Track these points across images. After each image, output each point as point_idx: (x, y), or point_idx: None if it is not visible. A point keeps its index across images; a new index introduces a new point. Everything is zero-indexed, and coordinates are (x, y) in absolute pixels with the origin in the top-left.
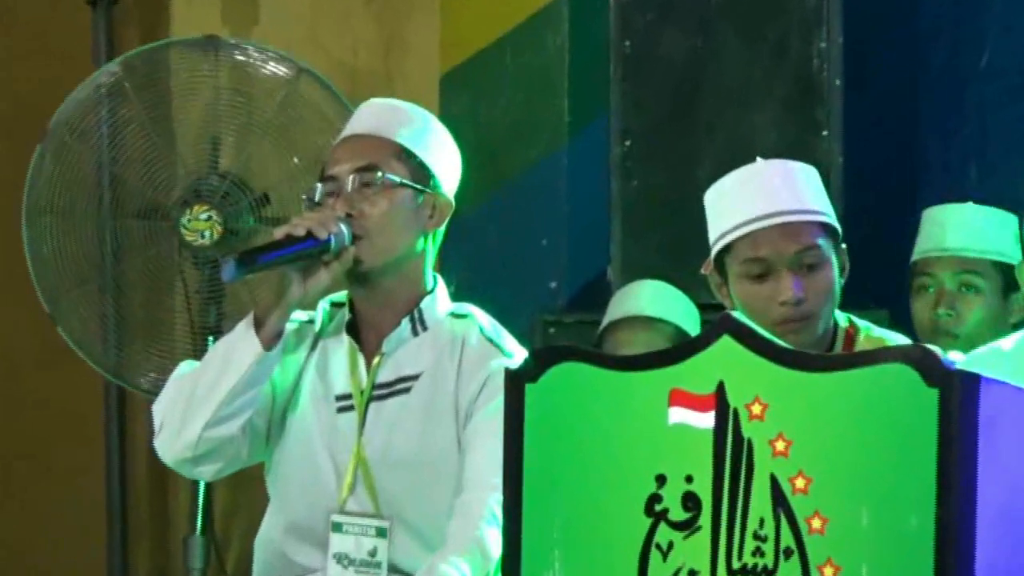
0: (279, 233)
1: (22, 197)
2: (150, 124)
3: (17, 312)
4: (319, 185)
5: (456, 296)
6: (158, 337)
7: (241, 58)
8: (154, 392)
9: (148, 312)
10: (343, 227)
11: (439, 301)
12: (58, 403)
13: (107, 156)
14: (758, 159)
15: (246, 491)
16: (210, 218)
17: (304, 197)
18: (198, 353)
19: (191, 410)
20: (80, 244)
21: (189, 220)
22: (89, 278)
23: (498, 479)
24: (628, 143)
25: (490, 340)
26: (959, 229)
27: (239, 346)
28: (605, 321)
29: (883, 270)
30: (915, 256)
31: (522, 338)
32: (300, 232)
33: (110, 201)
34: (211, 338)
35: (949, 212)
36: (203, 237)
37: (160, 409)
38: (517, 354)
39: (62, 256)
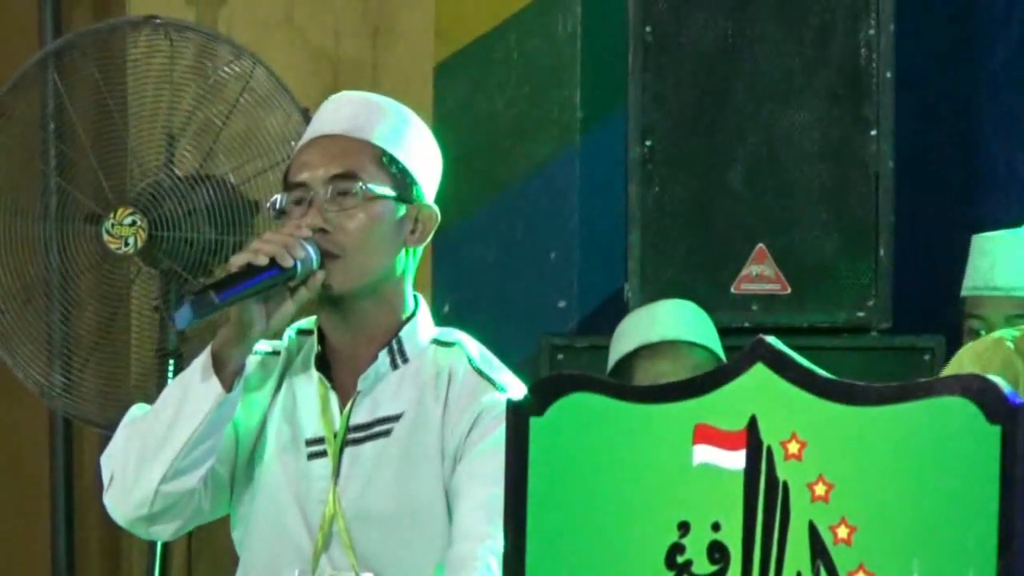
0: (237, 262)
1: None
2: (99, 116)
3: None
4: (279, 196)
5: (451, 319)
6: (111, 361)
7: (183, 43)
8: (104, 425)
9: (100, 332)
10: (310, 249)
11: (421, 327)
12: None
13: (53, 151)
14: None
15: (209, 539)
16: (134, 223)
17: (268, 207)
18: (157, 380)
19: (144, 462)
20: (22, 251)
21: (113, 225)
22: (34, 288)
23: (491, 527)
24: (648, 143)
25: (480, 372)
26: (1010, 264)
27: (196, 388)
28: (629, 346)
29: (938, 289)
30: (964, 291)
31: (526, 366)
32: (262, 261)
33: (56, 204)
34: (172, 362)
35: (998, 242)
36: (127, 244)
37: (109, 461)
38: (511, 388)
39: (2, 263)
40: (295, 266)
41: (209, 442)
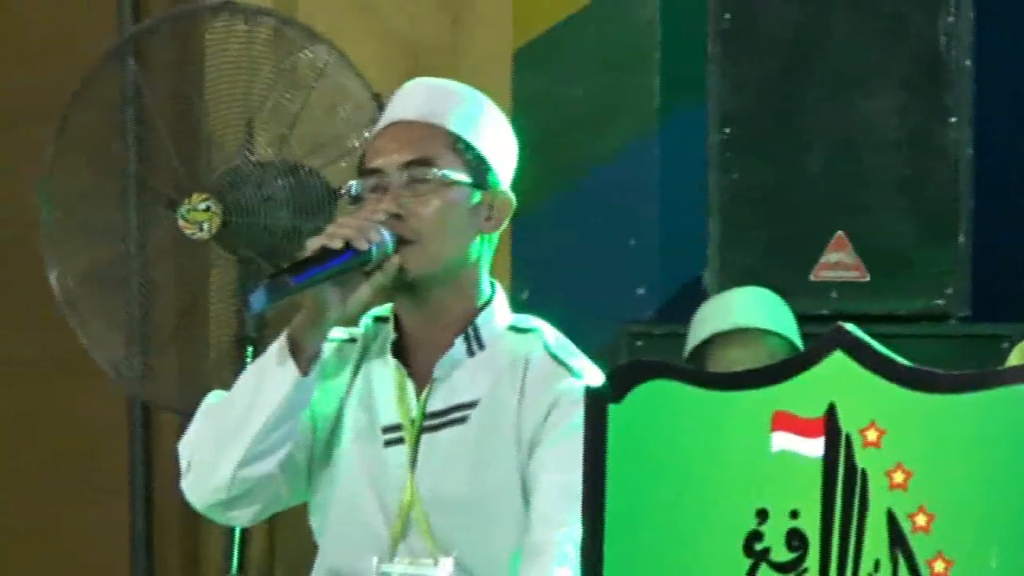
0: (313, 246)
1: (38, 183)
2: (177, 102)
3: (28, 316)
4: (355, 181)
5: (529, 307)
6: (189, 347)
7: (259, 28)
8: (182, 410)
9: (179, 318)
10: (385, 233)
11: (497, 314)
12: (75, 420)
13: (132, 135)
14: None
15: (287, 524)
16: (208, 208)
17: (342, 193)
18: (235, 367)
19: (221, 447)
20: (100, 236)
21: (188, 210)
22: (112, 275)
23: (566, 515)
24: (728, 130)
25: (556, 359)
26: None
27: (272, 372)
28: (704, 333)
29: (1018, 277)
30: None
31: (604, 353)
32: (337, 245)
33: (134, 188)
34: (250, 349)
35: None
36: (201, 230)
37: (186, 447)
38: (588, 375)
39: (81, 249)
40: (370, 250)
41: (286, 426)
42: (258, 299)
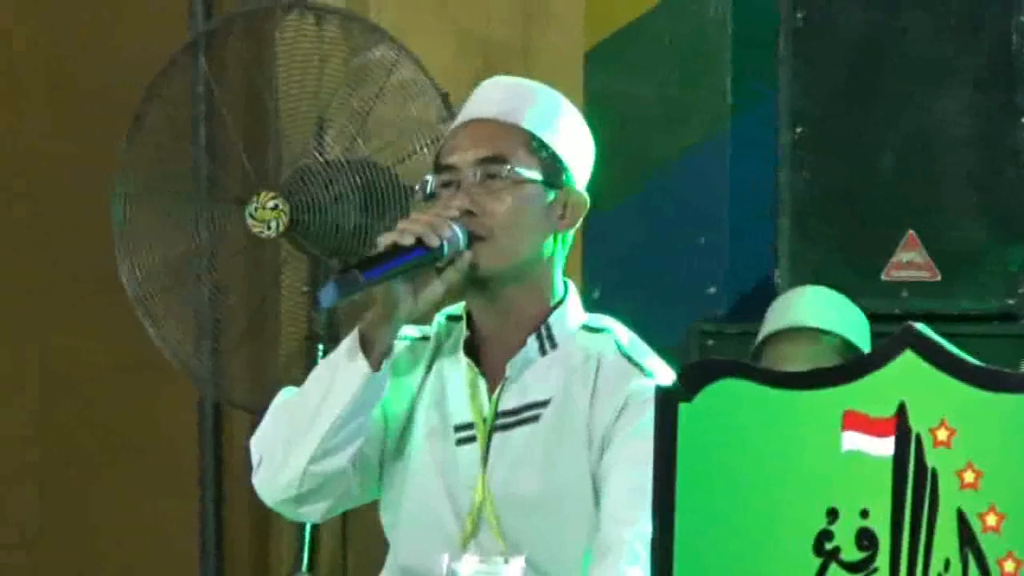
0: (384, 242)
1: (110, 179)
2: (249, 100)
3: (99, 319)
4: (429, 177)
5: (601, 304)
6: (260, 345)
7: (329, 27)
8: (252, 409)
9: (249, 316)
10: (457, 229)
11: (570, 313)
12: (146, 420)
13: (203, 132)
14: None
15: (358, 522)
16: (276, 207)
17: (415, 189)
18: (306, 365)
19: (293, 442)
20: (170, 234)
21: (256, 209)
22: (183, 273)
23: (636, 512)
24: (800, 129)
25: (628, 358)
26: None
27: (344, 367)
28: (764, 332)
29: None
30: None
31: (675, 352)
32: (408, 240)
33: (206, 184)
34: (321, 347)
35: None
36: (269, 228)
37: (258, 443)
38: (660, 374)
39: (152, 246)
40: (442, 246)
41: (357, 422)
42: (327, 295)
